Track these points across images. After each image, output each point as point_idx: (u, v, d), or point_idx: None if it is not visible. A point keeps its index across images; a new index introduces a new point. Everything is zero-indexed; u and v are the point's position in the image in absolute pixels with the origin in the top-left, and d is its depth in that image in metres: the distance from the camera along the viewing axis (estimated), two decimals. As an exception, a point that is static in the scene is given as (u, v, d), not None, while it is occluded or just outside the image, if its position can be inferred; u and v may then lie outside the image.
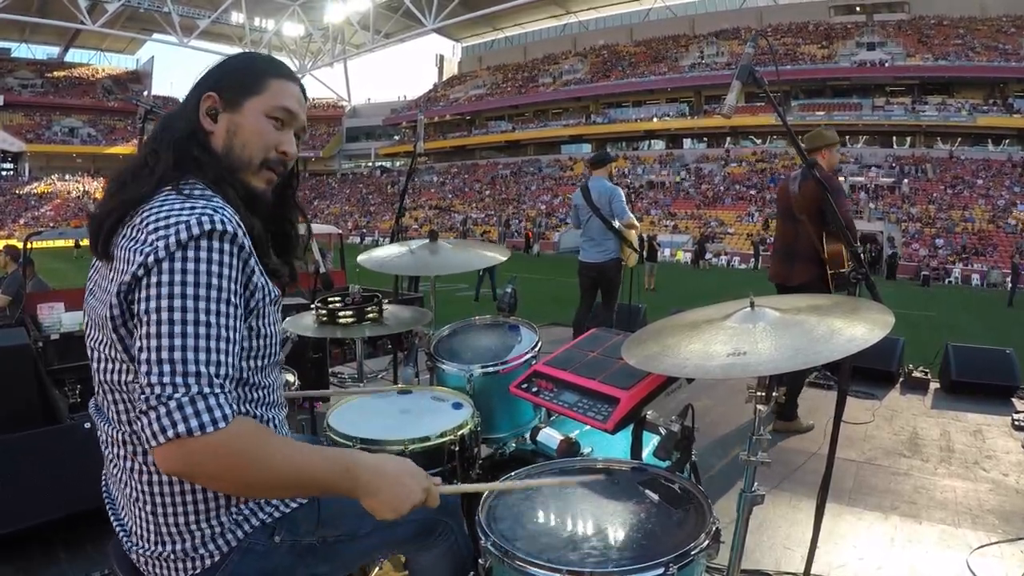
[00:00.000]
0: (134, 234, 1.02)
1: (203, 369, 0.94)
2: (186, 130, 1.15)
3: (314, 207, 48.33)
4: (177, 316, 0.95)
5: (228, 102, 1.16)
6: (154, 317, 0.95)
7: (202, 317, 0.96)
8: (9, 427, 2.56)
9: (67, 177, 49.02)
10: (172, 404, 0.92)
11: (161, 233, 0.98)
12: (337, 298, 2.39)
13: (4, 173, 48.88)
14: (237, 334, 1.02)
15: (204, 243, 0.99)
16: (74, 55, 58.16)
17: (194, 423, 0.91)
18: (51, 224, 37.25)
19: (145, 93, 49.39)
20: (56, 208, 43.95)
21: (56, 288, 6.32)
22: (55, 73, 55.04)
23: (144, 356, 0.94)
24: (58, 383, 3.51)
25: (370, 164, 57.38)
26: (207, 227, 0.99)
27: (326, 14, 54.72)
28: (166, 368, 0.93)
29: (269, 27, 55.86)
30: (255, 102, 1.17)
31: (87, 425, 2.63)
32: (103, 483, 1.26)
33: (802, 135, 3.91)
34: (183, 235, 0.98)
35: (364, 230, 39.51)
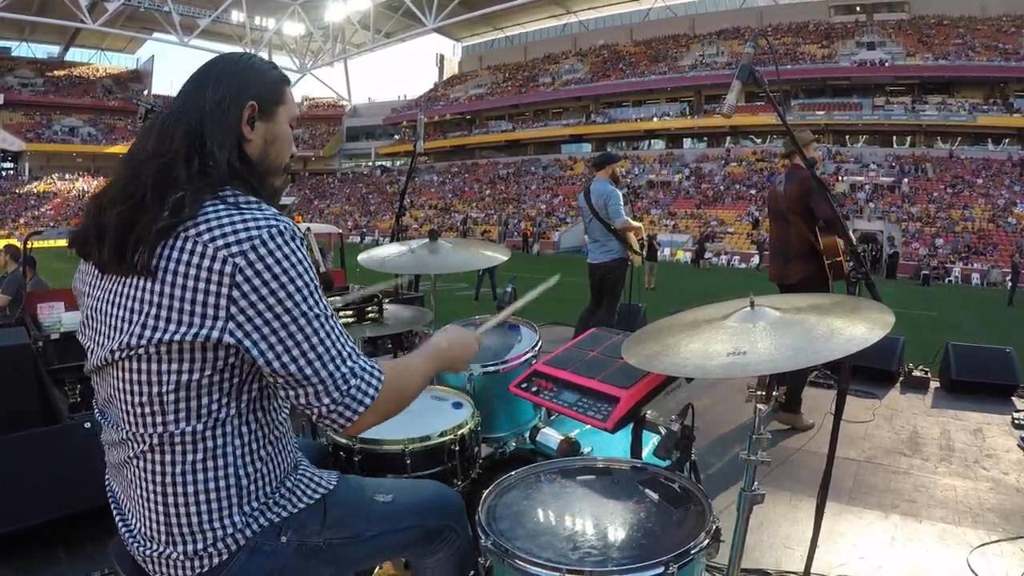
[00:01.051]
0: (196, 248, 1.02)
1: (348, 346, 1.11)
2: (233, 138, 1.14)
3: (314, 207, 48.34)
4: (310, 313, 1.06)
5: (264, 112, 1.18)
6: (287, 319, 1.04)
7: (319, 309, 1.07)
8: (9, 427, 2.56)
9: (67, 176, 49.02)
10: (354, 383, 1.09)
11: (244, 246, 1.02)
12: (336, 297, 2.38)
13: (4, 172, 48.85)
14: None
15: (286, 247, 1.04)
16: (74, 54, 58.18)
17: (372, 390, 1.11)
18: (51, 223, 37.26)
19: (145, 92, 49.34)
20: (56, 207, 43.91)
21: (56, 287, 6.31)
22: (55, 72, 54.99)
23: (303, 362, 1.05)
24: (58, 383, 3.51)
25: (370, 164, 57.32)
26: (283, 229, 1.05)
27: (326, 13, 54.66)
28: (331, 361, 1.07)
29: (269, 26, 55.80)
30: (283, 111, 1.22)
31: (87, 425, 2.63)
32: (107, 482, 1.25)
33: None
34: (269, 243, 1.03)
35: (364, 229, 39.47)
